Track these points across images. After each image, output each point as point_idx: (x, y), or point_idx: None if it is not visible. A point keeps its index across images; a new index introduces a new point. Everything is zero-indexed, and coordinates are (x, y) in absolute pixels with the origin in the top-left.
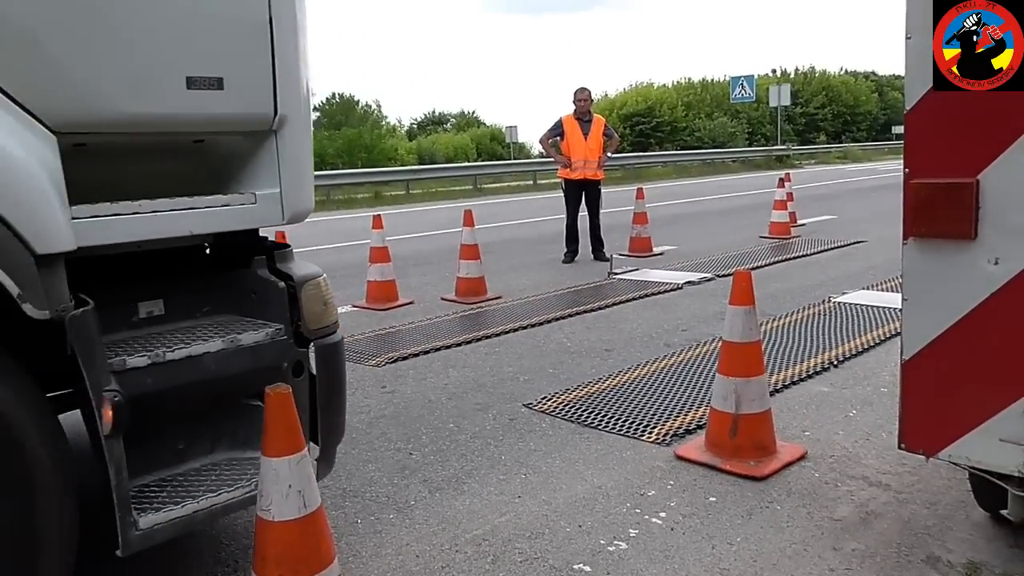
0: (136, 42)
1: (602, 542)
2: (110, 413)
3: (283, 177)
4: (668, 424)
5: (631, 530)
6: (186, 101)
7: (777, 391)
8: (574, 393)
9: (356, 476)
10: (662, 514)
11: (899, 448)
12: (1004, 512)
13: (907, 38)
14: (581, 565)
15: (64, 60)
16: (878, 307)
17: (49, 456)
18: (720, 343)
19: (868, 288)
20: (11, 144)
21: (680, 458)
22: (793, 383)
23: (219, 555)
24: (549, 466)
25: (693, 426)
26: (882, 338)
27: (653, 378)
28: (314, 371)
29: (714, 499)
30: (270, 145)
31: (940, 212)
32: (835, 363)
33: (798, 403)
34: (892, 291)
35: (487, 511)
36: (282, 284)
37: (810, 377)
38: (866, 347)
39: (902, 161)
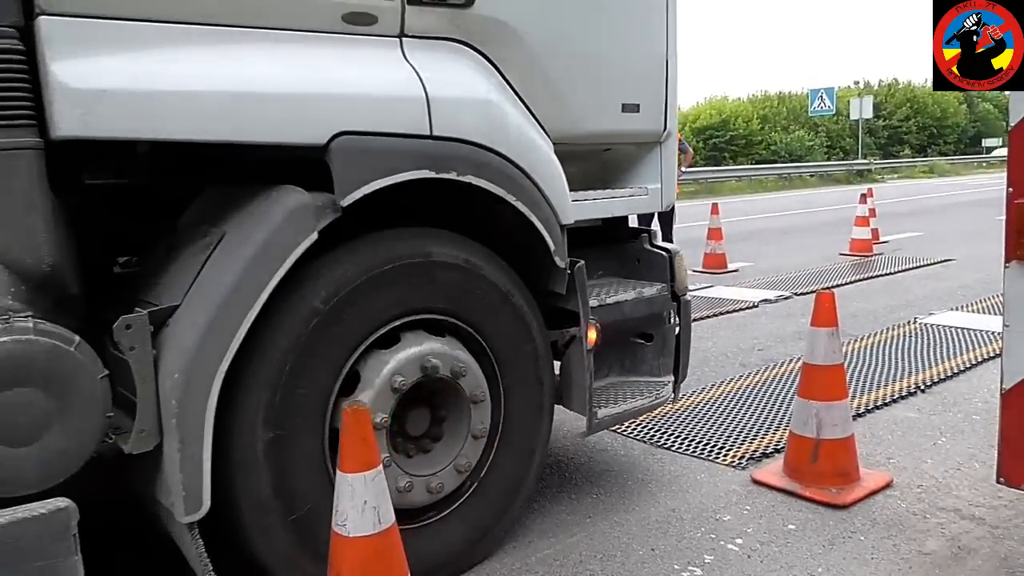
0: (598, 81)
1: (676, 567)
2: (594, 334)
3: (663, 176)
4: (744, 447)
5: (706, 556)
6: (619, 121)
7: (860, 415)
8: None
9: None
10: (738, 540)
11: (997, 482)
12: None
13: None
14: None
15: (563, 95)
16: (969, 329)
17: (548, 369)
18: (800, 365)
19: (957, 309)
20: (548, 151)
21: (757, 482)
22: (877, 407)
23: None
24: (621, 487)
25: (770, 450)
26: (974, 362)
27: (728, 399)
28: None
29: (793, 527)
30: (655, 152)
31: None
32: (922, 387)
33: (883, 428)
34: (984, 313)
35: (558, 530)
36: (664, 254)
37: (895, 401)
38: (956, 371)
39: (999, 177)
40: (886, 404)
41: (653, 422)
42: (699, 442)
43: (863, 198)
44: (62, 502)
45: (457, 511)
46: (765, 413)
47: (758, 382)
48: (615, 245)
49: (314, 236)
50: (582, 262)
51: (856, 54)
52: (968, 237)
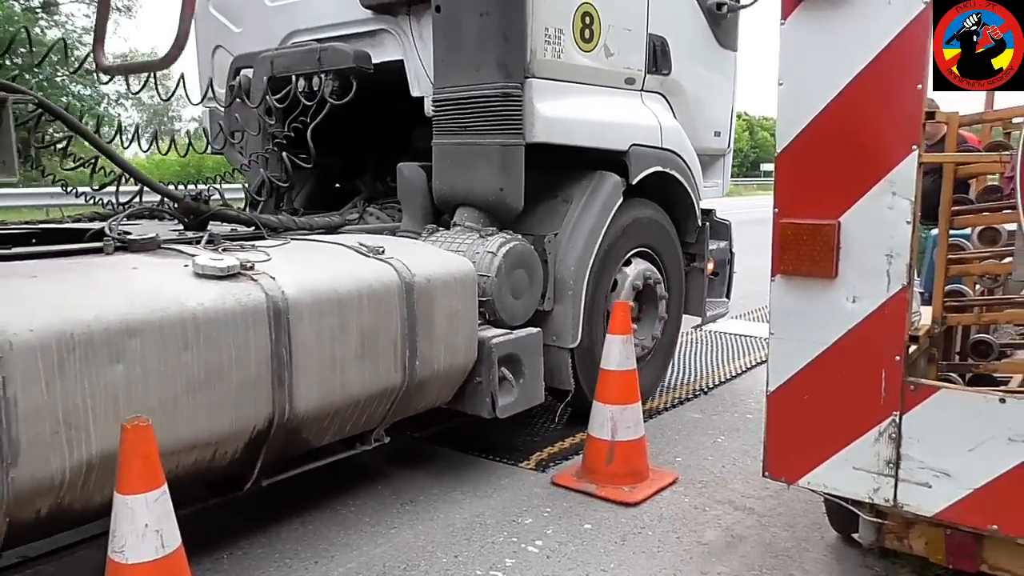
0: (708, 116)
1: (479, 572)
2: (712, 266)
3: (724, 175)
4: (546, 450)
5: (507, 560)
6: (712, 142)
7: (651, 417)
8: (456, 420)
9: (222, 507)
10: (538, 542)
11: (763, 476)
12: (855, 536)
13: (779, 84)
14: None
15: (695, 125)
16: (746, 336)
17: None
18: (597, 371)
19: (738, 318)
20: (696, 157)
21: (557, 485)
22: (667, 409)
23: None
24: (427, 494)
25: (570, 452)
26: (749, 366)
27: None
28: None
29: (589, 526)
30: (720, 160)
31: (805, 251)
32: (705, 390)
33: (671, 429)
34: (758, 320)
35: (362, 542)
36: (727, 222)
37: (683, 403)
38: (734, 374)
39: (772, 199)
40: (674, 406)
41: (462, 430)
42: (504, 447)
43: None
44: (536, 329)
45: (650, 361)
46: (566, 417)
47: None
48: None
49: (621, 198)
50: (707, 223)
51: None
52: (748, 251)
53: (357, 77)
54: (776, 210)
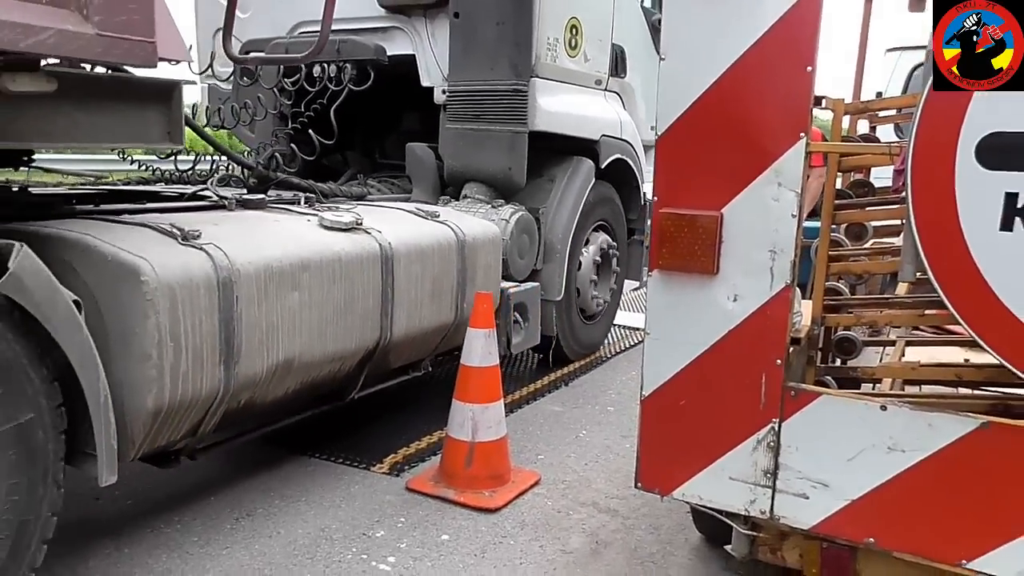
0: (649, 112)
1: None
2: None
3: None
4: (401, 452)
5: None
6: (649, 135)
7: (511, 412)
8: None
9: None
10: (391, 559)
11: (635, 487)
12: (728, 548)
13: (661, 59)
14: None
15: (639, 120)
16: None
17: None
18: (458, 366)
19: None
20: (640, 143)
21: (412, 490)
22: (527, 402)
23: None
24: (267, 507)
25: (427, 453)
26: (607, 356)
27: (385, 400)
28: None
29: (447, 537)
30: (651, 152)
31: (685, 244)
32: (566, 382)
33: (532, 424)
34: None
35: (187, 568)
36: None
37: (543, 396)
38: (593, 365)
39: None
40: (535, 399)
41: (307, 427)
42: (355, 448)
43: None
44: (535, 283)
45: (601, 319)
46: (423, 414)
47: (422, 382)
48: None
49: (594, 179)
50: (647, 202)
51: None
52: None
53: (373, 67)
54: (655, 199)
